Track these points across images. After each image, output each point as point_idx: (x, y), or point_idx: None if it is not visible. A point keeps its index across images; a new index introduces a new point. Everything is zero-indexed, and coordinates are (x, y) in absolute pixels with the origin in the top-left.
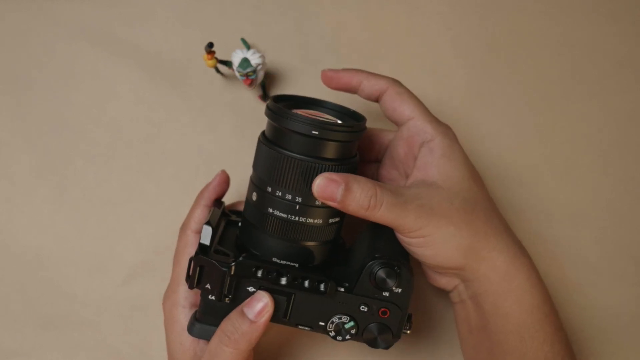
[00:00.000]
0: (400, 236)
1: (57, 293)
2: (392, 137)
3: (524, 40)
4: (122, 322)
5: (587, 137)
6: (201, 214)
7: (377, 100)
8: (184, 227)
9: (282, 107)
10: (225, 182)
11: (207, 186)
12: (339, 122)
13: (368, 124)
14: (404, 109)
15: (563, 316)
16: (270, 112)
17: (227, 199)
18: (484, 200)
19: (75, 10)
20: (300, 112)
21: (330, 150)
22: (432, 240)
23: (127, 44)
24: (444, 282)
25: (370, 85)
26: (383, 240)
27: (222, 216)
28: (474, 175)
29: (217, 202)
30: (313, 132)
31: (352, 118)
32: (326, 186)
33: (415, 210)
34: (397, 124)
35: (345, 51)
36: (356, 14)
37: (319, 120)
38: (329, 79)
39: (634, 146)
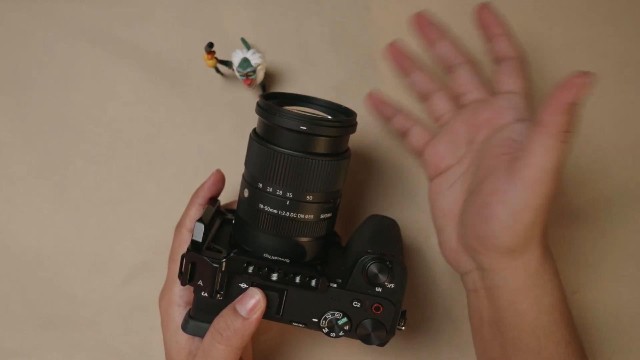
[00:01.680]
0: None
1: (57, 293)
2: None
3: (524, 40)
4: (122, 322)
5: (587, 137)
6: (196, 213)
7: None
8: (179, 226)
9: (272, 104)
10: (220, 181)
11: (202, 185)
12: (329, 117)
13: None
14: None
15: None
16: (260, 109)
17: (225, 198)
18: None
19: (75, 10)
20: (290, 109)
21: (321, 145)
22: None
23: (127, 44)
24: (462, 260)
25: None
26: (377, 236)
27: (217, 215)
28: None
29: (212, 200)
30: (301, 127)
31: (343, 114)
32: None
33: None
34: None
35: (345, 51)
36: (356, 14)
37: (308, 115)
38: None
39: (634, 146)
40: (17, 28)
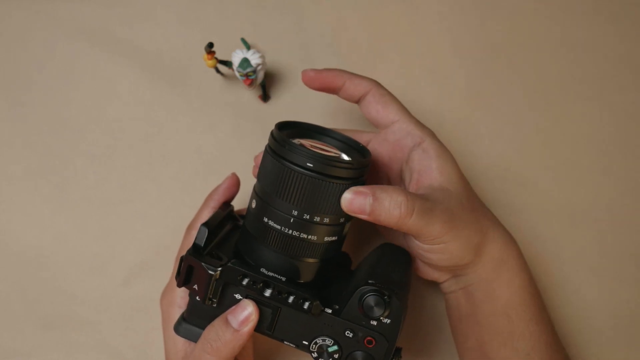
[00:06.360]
0: (418, 243)
1: (57, 293)
2: (370, 139)
3: (524, 40)
4: (122, 322)
5: (587, 137)
6: (208, 215)
7: (357, 101)
8: (189, 228)
9: (285, 136)
10: (234, 185)
11: (216, 188)
12: (345, 157)
13: (348, 125)
14: (389, 112)
15: (562, 316)
16: (273, 141)
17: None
18: (475, 196)
19: (75, 10)
20: (304, 142)
21: (338, 169)
22: (451, 245)
23: (127, 44)
24: (436, 275)
25: (353, 86)
26: (383, 267)
27: (229, 219)
28: (461, 172)
29: (225, 204)
30: (308, 164)
31: (357, 151)
32: (354, 199)
33: (441, 214)
34: (380, 126)
35: (345, 51)
36: (356, 13)
37: (321, 155)
38: (311, 80)
39: (634, 146)
40: (17, 28)
